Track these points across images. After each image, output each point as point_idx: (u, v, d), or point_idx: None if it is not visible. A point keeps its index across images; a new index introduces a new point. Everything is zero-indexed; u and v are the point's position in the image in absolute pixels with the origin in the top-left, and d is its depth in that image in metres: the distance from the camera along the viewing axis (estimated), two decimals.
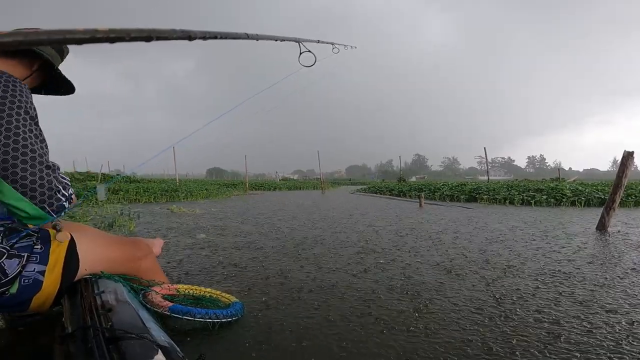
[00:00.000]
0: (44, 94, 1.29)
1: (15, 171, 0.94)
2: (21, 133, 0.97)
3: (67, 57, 1.25)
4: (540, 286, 1.91)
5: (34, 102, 1.05)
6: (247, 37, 0.73)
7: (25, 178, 0.96)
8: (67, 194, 1.06)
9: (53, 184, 1.01)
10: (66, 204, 1.06)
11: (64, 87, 1.28)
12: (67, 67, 1.23)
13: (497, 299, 1.71)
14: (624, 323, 1.42)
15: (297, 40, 1.14)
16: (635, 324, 1.41)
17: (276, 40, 0.99)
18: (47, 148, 1.04)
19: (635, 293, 1.79)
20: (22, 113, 0.98)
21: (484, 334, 1.33)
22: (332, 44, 1.61)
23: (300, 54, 1.17)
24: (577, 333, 1.33)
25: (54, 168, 1.03)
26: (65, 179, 1.08)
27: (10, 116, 0.95)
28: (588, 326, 1.39)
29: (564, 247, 3.01)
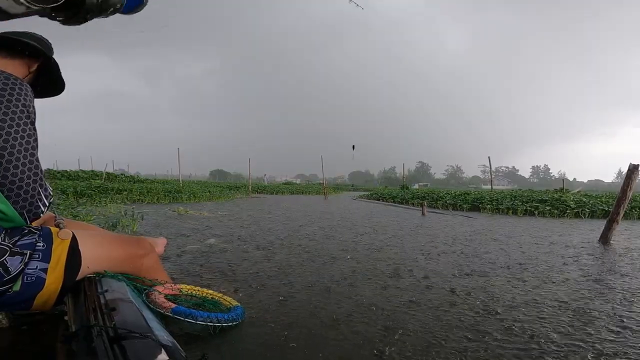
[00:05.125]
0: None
1: (5, 174, 0.95)
2: (19, 138, 0.97)
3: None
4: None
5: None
6: None
7: (14, 182, 0.96)
8: (47, 203, 1.07)
9: (37, 191, 1.02)
10: (42, 214, 1.07)
11: (55, 88, 1.26)
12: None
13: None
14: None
15: None
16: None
17: None
18: (38, 149, 1.04)
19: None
20: (18, 112, 0.98)
21: None
22: None
23: None
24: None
25: (41, 175, 1.04)
26: (47, 188, 1.09)
27: (5, 114, 0.95)
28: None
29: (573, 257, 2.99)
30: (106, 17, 1.08)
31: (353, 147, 17.13)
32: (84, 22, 1.07)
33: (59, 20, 1.04)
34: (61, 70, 1.23)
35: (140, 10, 1.09)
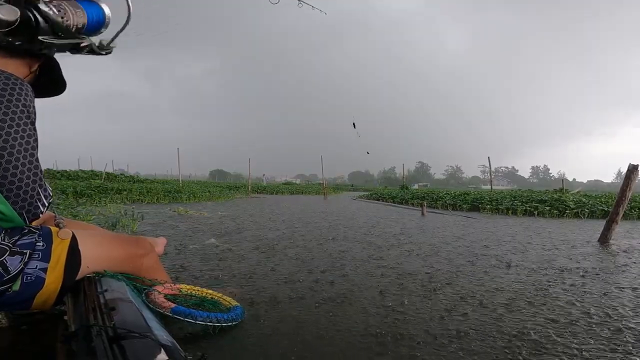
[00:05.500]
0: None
1: (5, 175, 0.95)
2: (19, 138, 0.97)
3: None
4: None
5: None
6: None
7: (13, 183, 0.96)
8: (46, 204, 1.07)
9: (36, 191, 1.02)
10: (42, 214, 1.07)
11: (56, 88, 1.24)
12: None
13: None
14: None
15: None
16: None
17: None
18: (38, 149, 1.03)
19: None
20: (19, 112, 0.97)
21: None
22: None
23: None
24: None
25: (40, 175, 1.04)
26: (47, 188, 1.09)
27: (6, 115, 0.95)
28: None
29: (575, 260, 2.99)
30: (72, 41, 1.07)
31: (354, 125, 16.21)
32: (45, 48, 1.06)
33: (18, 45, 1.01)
34: (62, 70, 1.22)
35: (102, 32, 1.10)
